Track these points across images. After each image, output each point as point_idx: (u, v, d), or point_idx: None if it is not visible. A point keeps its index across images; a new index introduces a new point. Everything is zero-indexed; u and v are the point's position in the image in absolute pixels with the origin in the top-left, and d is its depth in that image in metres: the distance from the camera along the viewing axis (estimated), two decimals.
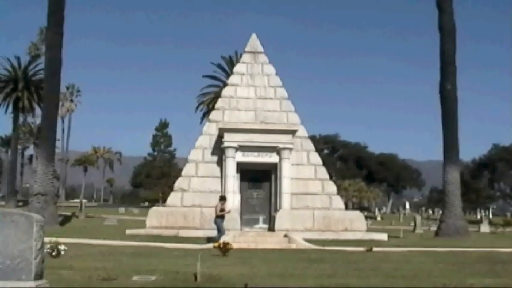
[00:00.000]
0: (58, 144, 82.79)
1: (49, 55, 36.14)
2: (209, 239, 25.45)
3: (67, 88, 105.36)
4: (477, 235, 39.60)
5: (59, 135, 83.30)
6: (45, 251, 10.74)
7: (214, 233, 26.33)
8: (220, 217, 24.98)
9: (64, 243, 17.67)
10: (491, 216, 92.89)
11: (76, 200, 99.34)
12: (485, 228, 48.85)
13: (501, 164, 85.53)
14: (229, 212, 26.35)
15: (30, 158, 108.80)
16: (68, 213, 47.94)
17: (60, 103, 75.46)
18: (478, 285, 13.01)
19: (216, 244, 19.86)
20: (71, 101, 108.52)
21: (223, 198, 25.86)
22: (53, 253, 16.48)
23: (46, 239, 11.17)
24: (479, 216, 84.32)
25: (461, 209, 36.36)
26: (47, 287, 8.65)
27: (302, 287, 12.28)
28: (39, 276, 8.43)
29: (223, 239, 24.40)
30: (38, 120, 70.51)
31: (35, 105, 72.68)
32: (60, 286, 11.10)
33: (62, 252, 16.74)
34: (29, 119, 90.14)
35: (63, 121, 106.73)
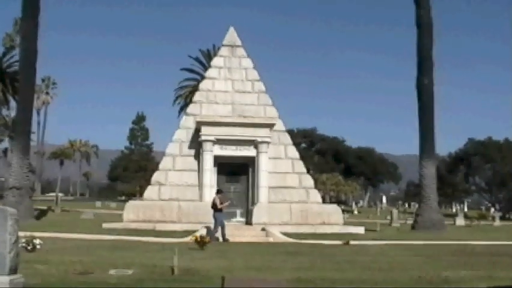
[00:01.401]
0: (34, 137, 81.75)
1: (24, 46, 35.66)
2: (208, 232, 25.27)
3: (43, 80, 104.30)
4: (452, 228, 40.03)
5: (34, 128, 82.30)
6: (20, 245, 10.63)
7: (191, 226, 26.36)
8: (219, 211, 24.73)
9: (40, 237, 17.51)
10: (466, 209, 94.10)
11: (51, 194, 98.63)
12: (460, 221, 49.56)
13: (476, 159, 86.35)
14: (228, 204, 25.91)
15: (5, 151, 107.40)
16: (44, 207, 47.51)
17: (36, 95, 74.61)
18: (453, 277, 13.15)
19: (193, 237, 19.79)
20: (47, 93, 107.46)
21: (220, 191, 25.68)
22: (29, 247, 16.31)
23: (21, 233, 11.06)
24: (454, 210, 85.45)
25: (437, 203, 36.69)
26: (21, 281, 8.56)
27: (279, 280, 12.29)
28: (13, 270, 8.35)
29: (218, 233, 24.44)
30: (13, 113, 69.46)
31: (10, 98, 71.81)
32: (35, 280, 10.99)
33: (38, 246, 16.57)
34: (4, 112, 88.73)
35: (38, 114, 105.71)
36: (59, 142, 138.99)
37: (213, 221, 24.87)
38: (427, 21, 36.72)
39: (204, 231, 23.70)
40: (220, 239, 24.10)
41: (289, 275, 12.85)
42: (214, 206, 24.89)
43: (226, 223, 25.89)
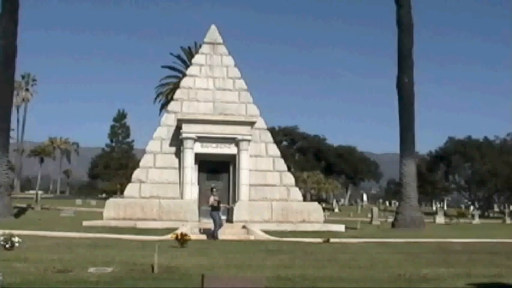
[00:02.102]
0: (13, 134, 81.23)
1: (3, 43, 35.28)
2: (204, 231, 25.32)
3: (23, 77, 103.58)
4: (432, 226, 40.32)
5: (14, 125, 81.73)
6: None
7: (172, 224, 26.35)
8: (215, 209, 24.61)
9: (19, 235, 17.35)
10: (446, 207, 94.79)
11: (31, 192, 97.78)
12: (440, 219, 49.95)
13: (456, 157, 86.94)
14: (211, 201, 25.51)
15: None
16: (24, 205, 47.12)
17: (15, 92, 73.96)
18: (432, 275, 13.28)
19: (174, 235, 19.74)
20: (27, 90, 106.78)
21: (212, 189, 25.61)
22: (7, 245, 16.18)
23: (0, 231, 10.95)
24: (434, 208, 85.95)
25: (417, 201, 36.91)
26: (0, 280, 8.49)
27: (259, 277, 12.30)
28: None
29: (221, 230, 24.40)
30: None
31: None
32: (14, 279, 10.92)
33: (17, 245, 16.43)
34: None
35: (18, 111, 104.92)
36: (39, 139, 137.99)
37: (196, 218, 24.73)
38: (407, 21, 36.94)
39: (184, 229, 23.59)
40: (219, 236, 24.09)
41: (269, 272, 12.88)
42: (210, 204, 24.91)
43: (206, 221, 25.75)
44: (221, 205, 25.29)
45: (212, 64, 32.51)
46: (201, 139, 30.01)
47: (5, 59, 34.93)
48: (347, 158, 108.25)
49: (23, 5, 35.19)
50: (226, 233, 26.07)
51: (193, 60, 34.30)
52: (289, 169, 33.36)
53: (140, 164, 31.19)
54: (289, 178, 31.55)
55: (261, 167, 30.88)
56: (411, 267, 14.42)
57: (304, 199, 43.66)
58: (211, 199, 24.71)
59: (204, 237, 24.62)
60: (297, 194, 31.37)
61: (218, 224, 24.33)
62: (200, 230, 25.82)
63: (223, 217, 29.97)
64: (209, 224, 26.56)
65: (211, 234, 24.07)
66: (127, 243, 20.38)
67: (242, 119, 30.80)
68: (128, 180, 31.81)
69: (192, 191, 29.62)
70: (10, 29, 34.75)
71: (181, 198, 29.58)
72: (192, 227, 25.90)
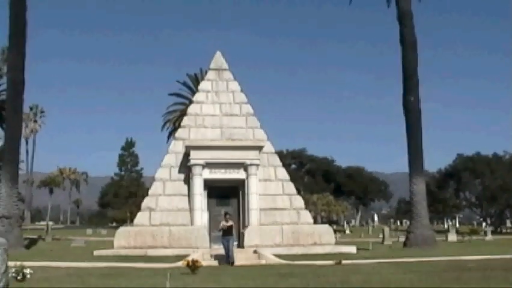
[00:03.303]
0: (22, 165, 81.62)
1: (11, 76, 35.68)
2: (216, 257, 25.49)
3: (31, 109, 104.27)
4: (445, 244, 40.04)
5: (23, 156, 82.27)
6: (10, 275, 10.54)
7: (182, 251, 26.32)
8: (224, 234, 24.68)
9: (30, 267, 17.32)
10: (458, 225, 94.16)
11: (42, 223, 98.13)
12: (452, 237, 49.57)
13: (466, 174, 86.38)
14: (227, 225, 25.14)
15: None
16: (34, 236, 47.17)
17: (24, 124, 74.40)
18: None
19: (185, 262, 19.68)
20: (35, 121, 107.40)
21: (225, 214, 25.72)
22: (19, 277, 16.14)
23: (11, 263, 10.98)
24: (446, 226, 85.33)
25: (428, 219, 36.74)
26: None
27: None
28: None
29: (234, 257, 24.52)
30: (1, 142, 69.25)
31: None
32: None
33: (28, 276, 16.39)
34: None
35: (27, 142, 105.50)
36: (48, 170, 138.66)
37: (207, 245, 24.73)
38: (411, 40, 37.10)
39: (195, 255, 23.55)
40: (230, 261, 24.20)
41: None
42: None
43: (216, 247, 25.56)
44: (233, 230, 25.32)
45: (218, 90, 32.66)
46: (209, 165, 30.05)
47: (13, 92, 35.28)
48: (356, 179, 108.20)
49: (31, 36, 35.67)
50: (238, 258, 26.00)
51: (199, 87, 34.46)
52: (298, 192, 33.31)
53: (150, 191, 31.23)
54: (299, 201, 31.49)
55: (270, 191, 30.85)
56: (424, 287, 14.31)
57: (315, 221, 43.53)
58: (222, 223, 24.75)
59: (215, 263, 24.53)
60: (307, 216, 31.29)
61: (228, 249, 24.31)
62: (211, 255, 25.78)
63: (235, 242, 29.93)
64: (220, 249, 26.51)
65: (227, 260, 24.11)
66: (139, 272, 20.34)
67: (250, 143, 30.84)
68: (138, 208, 31.83)
69: (202, 217, 29.60)
70: (18, 62, 35.16)
71: (191, 224, 29.56)
72: (203, 253, 25.85)
